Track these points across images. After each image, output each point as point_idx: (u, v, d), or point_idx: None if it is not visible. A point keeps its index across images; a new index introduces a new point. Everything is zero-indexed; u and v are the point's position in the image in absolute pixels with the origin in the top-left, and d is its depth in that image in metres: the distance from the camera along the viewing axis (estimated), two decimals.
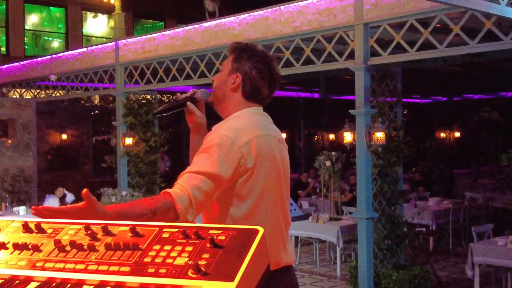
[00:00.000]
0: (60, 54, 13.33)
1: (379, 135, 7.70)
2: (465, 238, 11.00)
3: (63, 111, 16.47)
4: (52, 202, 11.81)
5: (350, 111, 7.89)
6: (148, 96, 11.88)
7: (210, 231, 1.45)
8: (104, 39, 20.10)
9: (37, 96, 14.58)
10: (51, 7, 20.20)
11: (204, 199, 2.13)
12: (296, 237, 10.25)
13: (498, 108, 21.41)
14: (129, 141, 11.45)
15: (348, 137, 8.42)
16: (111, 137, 12.01)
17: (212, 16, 10.42)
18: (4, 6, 19.00)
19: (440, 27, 7.37)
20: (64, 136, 16.27)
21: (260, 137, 2.32)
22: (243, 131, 2.29)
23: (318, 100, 17.33)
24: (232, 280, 1.29)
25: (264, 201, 2.31)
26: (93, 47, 12.44)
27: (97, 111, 17.73)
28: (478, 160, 20.09)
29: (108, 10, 18.93)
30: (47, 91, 14.35)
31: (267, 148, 2.33)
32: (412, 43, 7.44)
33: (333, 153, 10.04)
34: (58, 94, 14.16)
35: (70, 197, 12.16)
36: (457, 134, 20.57)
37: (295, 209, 3.93)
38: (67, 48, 18.40)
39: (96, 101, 18.75)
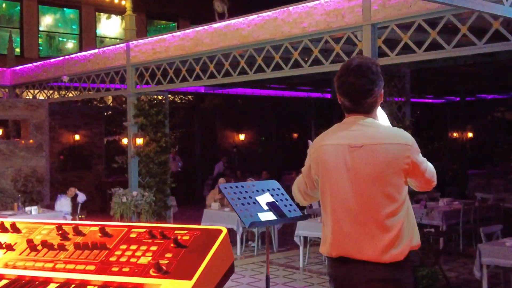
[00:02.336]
0: (73, 56, 13.46)
1: None
2: (475, 239, 10.92)
3: (76, 111, 16.61)
4: (64, 201, 11.91)
5: None
6: (159, 97, 11.96)
7: (176, 231, 1.48)
8: (117, 40, 20.21)
9: (50, 97, 14.72)
10: (65, 9, 20.35)
11: (299, 184, 2.99)
12: (306, 238, 10.25)
13: None
14: (139, 141, 11.53)
15: None
16: (121, 138, 12.10)
17: (222, 17, 10.47)
18: (19, 8, 19.18)
19: (448, 28, 7.35)
20: (76, 137, 16.39)
21: (324, 146, 2.78)
22: (319, 140, 2.85)
23: (329, 100, 17.33)
24: (190, 278, 1.32)
25: (327, 201, 2.79)
26: (105, 49, 12.55)
27: (109, 112, 17.85)
28: (491, 161, 19.93)
29: (121, 11, 19.01)
30: (60, 92, 14.48)
31: (326, 157, 2.75)
32: (420, 43, 7.42)
33: None
34: (70, 95, 14.29)
35: (81, 197, 12.26)
36: (471, 134, 20.43)
37: (294, 210, 3.99)
38: (80, 49, 18.54)
39: (109, 102, 18.88)
